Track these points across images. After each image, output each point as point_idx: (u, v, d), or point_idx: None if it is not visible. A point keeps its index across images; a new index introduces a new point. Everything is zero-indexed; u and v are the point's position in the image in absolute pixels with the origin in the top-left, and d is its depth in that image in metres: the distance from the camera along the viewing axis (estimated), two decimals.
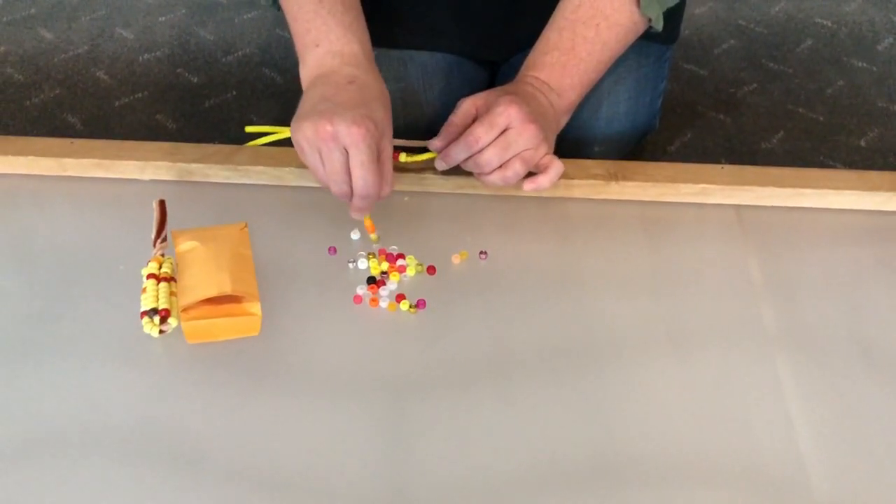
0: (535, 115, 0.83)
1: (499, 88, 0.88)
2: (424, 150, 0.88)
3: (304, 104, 0.82)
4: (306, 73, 0.87)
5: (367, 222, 0.84)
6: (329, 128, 0.76)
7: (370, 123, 0.77)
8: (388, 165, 0.80)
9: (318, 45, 0.86)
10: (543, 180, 0.84)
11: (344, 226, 0.86)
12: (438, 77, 1.08)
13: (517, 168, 0.83)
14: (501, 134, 0.82)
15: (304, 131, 0.78)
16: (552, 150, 0.85)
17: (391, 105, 0.84)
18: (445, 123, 0.85)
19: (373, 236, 0.85)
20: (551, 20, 0.91)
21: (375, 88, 0.84)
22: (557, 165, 0.84)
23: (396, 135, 0.84)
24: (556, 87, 0.89)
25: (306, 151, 0.79)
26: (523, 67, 0.91)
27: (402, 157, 0.89)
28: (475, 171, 0.84)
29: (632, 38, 0.93)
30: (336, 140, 0.77)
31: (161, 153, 0.93)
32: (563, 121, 0.91)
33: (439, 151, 0.86)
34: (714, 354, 0.75)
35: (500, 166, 0.83)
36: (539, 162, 0.84)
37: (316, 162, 0.79)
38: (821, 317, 0.79)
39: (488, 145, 0.82)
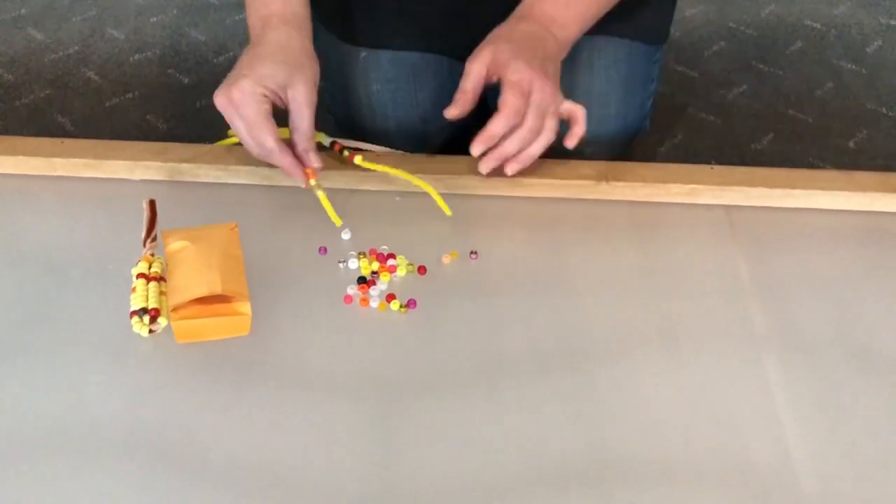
0: (544, 66, 0.84)
1: (501, 33, 0.88)
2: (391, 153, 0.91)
3: None
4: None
5: (324, 202, 0.85)
6: (221, 98, 0.82)
7: (242, 84, 0.81)
8: (301, 112, 0.83)
9: (250, 17, 0.89)
10: (579, 129, 0.86)
11: (334, 226, 0.85)
12: (429, 78, 1.08)
13: (548, 133, 0.84)
14: (530, 99, 0.83)
15: (215, 102, 0.83)
16: (559, 92, 0.86)
17: (377, 105, 0.85)
18: (458, 91, 0.85)
19: (334, 218, 0.85)
20: None
21: (273, 43, 0.85)
22: (580, 110, 0.86)
23: (385, 134, 0.85)
24: (561, 20, 0.88)
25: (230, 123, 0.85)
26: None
27: (357, 160, 0.88)
28: (517, 147, 0.84)
29: None
30: (231, 107, 0.82)
31: (151, 153, 0.93)
32: (564, 55, 0.91)
33: (455, 119, 0.85)
34: (703, 354, 0.75)
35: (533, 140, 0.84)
36: (560, 112, 0.85)
37: (240, 134, 0.85)
38: (809, 316, 0.79)
39: (526, 115, 0.83)
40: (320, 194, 0.85)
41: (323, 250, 0.84)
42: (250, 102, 0.81)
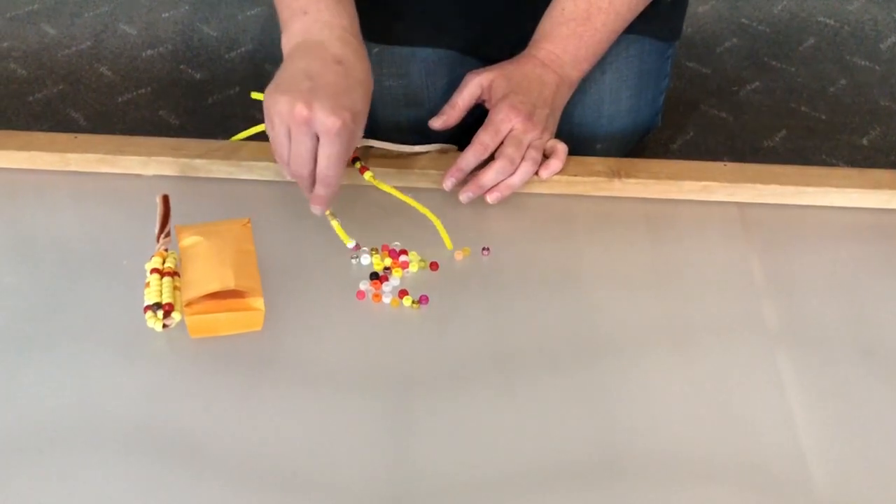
0: (532, 110, 0.85)
1: (504, 68, 0.89)
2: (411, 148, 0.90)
3: (284, 73, 0.80)
4: (289, 39, 0.83)
5: (338, 229, 0.82)
6: (306, 112, 0.75)
7: (348, 115, 0.76)
8: (339, 165, 0.79)
9: (306, 13, 0.83)
10: (556, 164, 0.87)
11: (348, 222, 0.86)
12: (441, 74, 1.08)
13: (528, 165, 0.86)
14: (508, 135, 0.85)
15: (279, 106, 0.76)
16: (554, 131, 0.88)
17: (389, 100, 0.85)
18: (447, 104, 0.86)
19: (346, 240, 0.82)
20: None
21: (361, 72, 0.81)
22: (562, 146, 0.88)
23: (398, 130, 0.84)
24: (571, 60, 0.89)
25: (275, 125, 0.77)
26: (536, 36, 0.91)
27: (367, 176, 0.87)
28: (493, 178, 0.85)
29: (641, 6, 0.92)
30: (310, 125, 0.75)
31: (164, 148, 0.93)
32: (570, 93, 0.92)
33: (436, 129, 0.87)
34: (716, 351, 0.75)
35: (514, 170, 0.85)
36: (546, 146, 0.87)
37: (282, 139, 0.78)
38: (822, 314, 0.79)
39: (503, 145, 0.85)
40: (335, 223, 0.83)
41: (357, 248, 0.82)
42: (347, 137, 0.76)
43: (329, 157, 0.77)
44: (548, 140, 0.88)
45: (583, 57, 0.90)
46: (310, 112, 0.75)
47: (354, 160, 0.89)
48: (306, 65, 0.79)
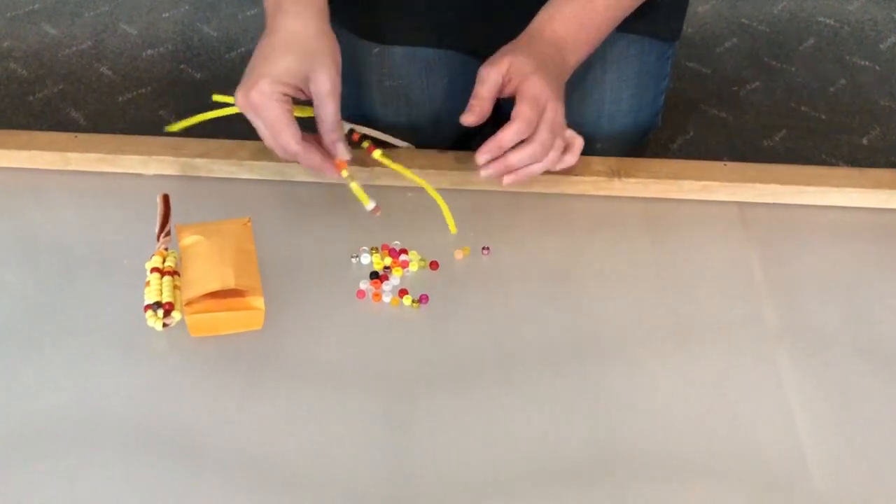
0: (558, 89, 0.83)
1: (516, 50, 0.85)
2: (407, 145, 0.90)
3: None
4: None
5: (357, 190, 0.83)
6: (241, 99, 0.79)
7: (260, 86, 0.78)
8: (325, 102, 0.80)
9: (266, 2, 0.86)
10: (570, 159, 0.85)
11: (349, 221, 0.86)
12: (441, 74, 1.08)
13: (554, 155, 0.83)
14: (543, 115, 0.81)
15: (235, 102, 0.81)
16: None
17: (389, 101, 0.83)
18: (472, 96, 0.83)
19: (365, 201, 0.83)
20: None
21: (289, 32, 0.82)
22: (580, 141, 0.85)
23: (398, 132, 0.84)
24: (572, 43, 0.87)
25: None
26: (539, 17, 0.88)
27: (376, 154, 0.87)
28: (525, 161, 0.82)
29: None
30: (251, 109, 0.79)
31: (165, 148, 0.93)
32: (566, 78, 0.89)
33: (470, 125, 0.83)
34: (716, 351, 0.75)
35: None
36: (565, 137, 0.85)
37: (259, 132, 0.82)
38: (822, 313, 0.79)
39: (538, 130, 0.81)
40: (353, 185, 0.82)
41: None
42: (270, 105, 0.78)
43: (266, 128, 0.80)
44: (566, 128, 0.84)
45: (583, 40, 0.88)
46: (243, 97, 0.79)
47: (360, 140, 0.88)
48: (255, 54, 0.83)
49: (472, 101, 0.83)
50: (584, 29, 0.88)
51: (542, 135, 0.81)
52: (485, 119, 0.84)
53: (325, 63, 0.81)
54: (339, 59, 0.83)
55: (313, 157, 0.81)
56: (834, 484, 0.65)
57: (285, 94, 0.79)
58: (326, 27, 0.84)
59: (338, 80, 0.82)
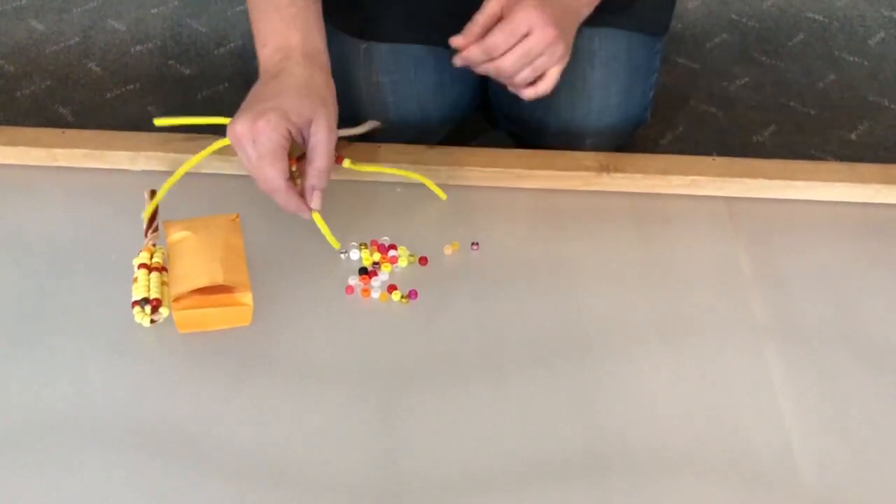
0: (556, 16, 0.81)
1: None
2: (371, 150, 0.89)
3: None
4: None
5: (322, 228, 0.81)
6: (242, 126, 0.78)
7: (270, 117, 0.77)
8: (321, 149, 0.79)
9: (265, 46, 0.86)
10: (543, 86, 0.83)
11: (336, 217, 0.85)
12: (430, 70, 1.08)
13: (549, 80, 0.82)
14: (522, 39, 0.80)
15: (231, 130, 0.79)
16: (570, 48, 0.83)
17: (378, 96, 0.82)
18: (469, 22, 0.82)
19: (334, 244, 0.82)
20: None
21: (298, 77, 0.82)
22: (557, 70, 0.83)
23: (387, 125, 0.83)
24: None
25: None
26: None
27: (346, 164, 0.86)
28: (497, 77, 0.82)
29: None
30: (251, 135, 0.78)
31: (153, 143, 0.93)
32: (586, 11, 0.87)
33: (459, 49, 0.83)
34: (704, 346, 0.75)
35: (532, 82, 0.82)
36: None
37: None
38: (810, 308, 0.79)
39: (508, 51, 0.80)
40: (316, 216, 0.82)
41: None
42: (273, 136, 0.77)
43: (251, 160, 0.79)
44: (567, 58, 0.83)
45: None
46: (234, 130, 0.79)
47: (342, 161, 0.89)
48: (251, 93, 0.84)
49: (466, 26, 0.83)
50: None
51: (508, 62, 0.80)
52: (471, 44, 0.83)
53: (329, 111, 0.82)
54: (337, 115, 0.83)
55: (292, 197, 0.80)
56: (821, 479, 0.66)
57: (288, 131, 0.79)
58: (332, 83, 0.86)
59: (335, 131, 0.82)
